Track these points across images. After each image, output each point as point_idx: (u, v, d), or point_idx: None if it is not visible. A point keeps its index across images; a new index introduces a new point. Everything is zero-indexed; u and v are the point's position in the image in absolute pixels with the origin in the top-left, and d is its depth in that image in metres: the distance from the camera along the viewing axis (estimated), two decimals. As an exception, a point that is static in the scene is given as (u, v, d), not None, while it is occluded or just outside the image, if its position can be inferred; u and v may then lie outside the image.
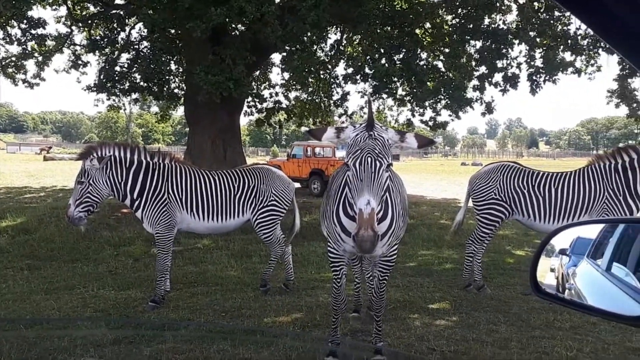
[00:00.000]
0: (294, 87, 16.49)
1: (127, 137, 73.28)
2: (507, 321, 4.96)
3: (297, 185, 17.25)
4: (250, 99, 14.86)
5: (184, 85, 14.63)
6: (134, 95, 15.82)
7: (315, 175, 18.31)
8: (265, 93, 16.82)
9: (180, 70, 15.07)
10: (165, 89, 14.45)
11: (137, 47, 15.01)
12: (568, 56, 11.77)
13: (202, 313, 5.31)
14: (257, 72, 16.54)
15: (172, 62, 15.18)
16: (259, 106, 16.10)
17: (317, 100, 16.27)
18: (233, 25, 12.18)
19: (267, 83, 18.11)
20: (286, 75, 15.43)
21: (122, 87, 14.53)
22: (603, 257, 1.27)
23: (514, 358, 4.01)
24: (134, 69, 14.52)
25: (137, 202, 5.68)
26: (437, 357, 4.06)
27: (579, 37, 11.45)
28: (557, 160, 63.77)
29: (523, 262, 7.78)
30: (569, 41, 11.35)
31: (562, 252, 1.44)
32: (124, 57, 15.12)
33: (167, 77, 14.45)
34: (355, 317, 5.12)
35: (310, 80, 12.50)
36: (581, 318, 4.99)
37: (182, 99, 14.67)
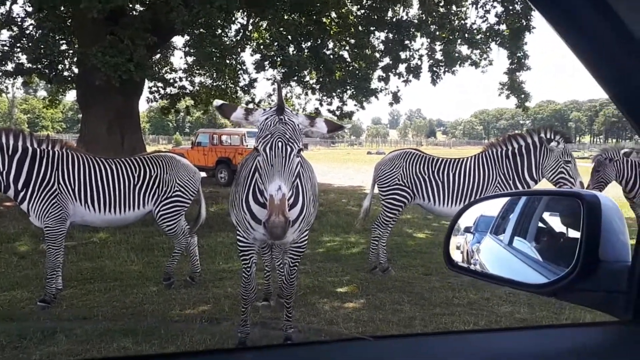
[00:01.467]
0: (198, 72, 15.88)
1: (10, 125, 66.24)
2: (410, 301, 5.19)
3: (203, 174, 16.78)
4: (152, 83, 14.06)
5: (75, 67, 13.46)
6: (20, 79, 14.26)
7: (222, 164, 17.89)
8: (169, 77, 16.04)
9: (72, 51, 13.83)
10: (56, 71, 13.18)
11: (20, 25, 13.51)
12: (465, 49, 12.59)
13: (100, 311, 4.93)
14: (158, 55, 15.69)
15: (63, 42, 13.88)
16: (162, 91, 15.31)
17: (223, 86, 15.84)
18: (131, 5, 11.38)
19: (168, 67, 17.26)
20: (190, 59, 14.81)
21: (4, 68, 13.04)
22: (505, 232, 1.33)
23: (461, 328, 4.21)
24: (18, 48, 13.06)
25: (22, 194, 5.11)
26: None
27: (475, 32, 12.25)
28: (452, 149, 68.41)
29: (423, 244, 8.22)
30: (466, 35, 12.10)
31: (467, 230, 1.48)
32: (5, 34, 13.56)
33: (58, 59, 13.17)
34: (265, 306, 5.06)
35: (220, 66, 12.08)
36: (477, 294, 5.38)
37: (74, 82, 13.48)
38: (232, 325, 4.53)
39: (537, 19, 11.41)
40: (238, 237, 3.84)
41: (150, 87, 15.44)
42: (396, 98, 13.31)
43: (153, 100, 16.30)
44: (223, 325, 4.57)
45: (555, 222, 1.15)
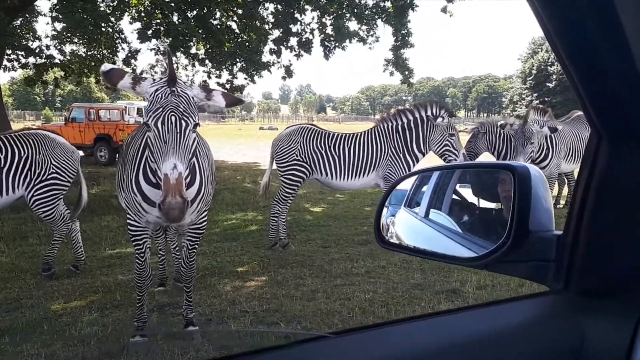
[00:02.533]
0: (69, 39, 14.32)
1: None
2: (312, 274, 5.26)
3: (81, 153, 15.38)
4: (11, 51, 12.38)
5: None
6: None
7: (102, 142, 16.58)
8: (33, 45, 14.25)
9: None
10: None
11: None
12: (354, 25, 12.79)
13: (-35, 312, 4.32)
14: (19, 21, 13.85)
15: None
16: (23, 60, 13.59)
17: (99, 56, 14.49)
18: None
19: (31, 34, 15.33)
20: (59, 26, 13.28)
21: None
22: (420, 205, 1.34)
23: (321, 307, 4.28)
24: None
25: None
26: (251, 319, 4.08)
27: (363, 7, 12.49)
28: (342, 125, 70.52)
29: (321, 218, 8.38)
30: (355, 10, 12.29)
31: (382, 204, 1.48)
32: None
33: None
34: (161, 291, 4.80)
35: (94, 35, 10.95)
36: (373, 263, 5.62)
37: None
38: (125, 314, 4.24)
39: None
40: (129, 222, 3.55)
41: (8, 55, 13.61)
42: (289, 72, 13.21)
43: (11, 69, 14.42)
44: (116, 315, 4.25)
45: (468, 194, 1.18)
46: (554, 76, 53.35)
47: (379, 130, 6.37)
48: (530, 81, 56.45)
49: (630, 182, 0.67)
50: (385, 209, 1.47)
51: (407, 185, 1.47)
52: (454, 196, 1.22)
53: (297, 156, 6.20)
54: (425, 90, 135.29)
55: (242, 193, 10.63)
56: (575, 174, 8.67)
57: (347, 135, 6.42)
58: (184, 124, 2.72)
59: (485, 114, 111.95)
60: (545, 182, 0.83)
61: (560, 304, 0.74)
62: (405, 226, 1.33)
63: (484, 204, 1.09)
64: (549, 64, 54.52)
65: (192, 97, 2.83)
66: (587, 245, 0.72)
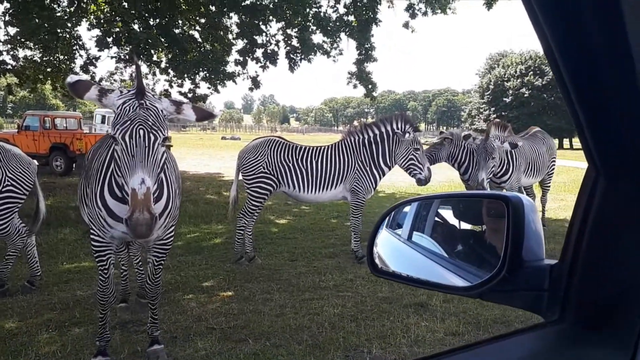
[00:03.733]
0: (23, 44, 13.78)
1: None
2: (279, 288, 5.21)
3: (35, 162, 14.76)
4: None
5: None
6: None
7: (58, 151, 16.00)
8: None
9: None
10: None
11: None
12: (319, 37, 12.90)
13: None
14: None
15: None
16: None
17: (55, 62, 14.00)
18: None
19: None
20: (12, 30, 12.77)
21: None
22: (403, 227, 1.35)
23: (290, 323, 4.24)
24: None
25: None
26: (218, 336, 3.99)
27: (327, 20, 12.59)
28: (305, 135, 70.64)
29: (287, 230, 8.33)
30: (321, 22, 12.39)
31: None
32: None
33: None
34: (123, 308, 4.64)
35: (51, 42, 10.58)
36: (341, 276, 5.62)
37: None
38: (86, 332, 4.07)
39: (383, 12, 12.15)
40: (92, 237, 3.42)
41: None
42: (256, 83, 13.15)
43: None
44: (75, 333, 4.07)
45: (452, 220, 1.20)
46: (510, 91, 55.45)
47: (346, 143, 6.41)
48: (488, 96, 58.47)
49: (625, 217, 0.70)
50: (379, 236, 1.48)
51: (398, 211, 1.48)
52: (443, 223, 1.23)
53: (264, 169, 6.16)
54: (387, 103, 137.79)
55: (206, 205, 10.45)
56: (535, 189, 8.99)
57: (315, 148, 6.43)
58: (152, 137, 2.66)
59: (444, 127, 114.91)
60: (536, 210, 0.85)
61: (556, 337, 0.75)
62: (386, 246, 1.33)
63: (476, 232, 1.11)
64: (505, 79, 56.67)
65: (162, 110, 2.77)
66: (583, 276, 0.74)
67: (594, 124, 0.63)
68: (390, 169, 6.44)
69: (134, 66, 13.61)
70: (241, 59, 12.74)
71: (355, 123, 6.69)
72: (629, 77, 0.56)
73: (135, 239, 3.12)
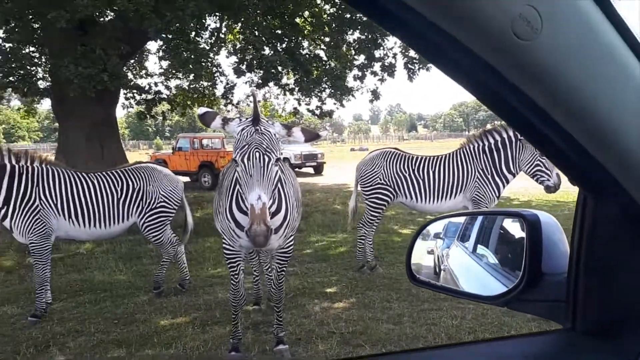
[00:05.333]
0: (174, 75, 15.81)
1: (-15, 137, 64.82)
2: (399, 298, 5.31)
3: (186, 179, 16.74)
4: (126, 90, 13.93)
5: (48, 77, 13.28)
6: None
7: (205, 168, 17.89)
8: (143, 82, 15.92)
9: (43, 60, 13.65)
10: (29, 84, 13.01)
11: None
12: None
13: (92, 323, 4.97)
14: (132, 61, 15.57)
15: (35, 53, 13.66)
16: (138, 97, 15.21)
17: (200, 89, 15.80)
18: (99, 14, 11.27)
19: (143, 72, 17.14)
20: (165, 63, 14.74)
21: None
22: (469, 240, 1.43)
23: (407, 332, 4.33)
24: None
25: (3, 211, 5.11)
26: (337, 340, 4.23)
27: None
28: (434, 142, 68.99)
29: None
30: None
31: (437, 235, 1.60)
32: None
33: (30, 72, 12.97)
34: (256, 310, 5.14)
35: (197, 71, 12.03)
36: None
37: (49, 93, 13.30)
38: (224, 330, 4.60)
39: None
40: (224, 245, 3.92)
41: (125, 93, 15.31)
42: (376, 95, 13.45)
43: (128, 107, 16.20)
44: (215, 331, 4.64)
45: (514, 233, 1.26)
46: None
47: (465, 151, 6.28)
48: None
49: (614, 235, 0.74)
50: (440, 241, 1.58)
51: (461, 218, 1.57)
52: (501, 231, 1.30)
53: (380, 180, 6.32)
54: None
55: (333, 215, 10.91)
56: None
57: (431, 157, 6.42)
58: (267, 159, 3.01)
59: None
60: (559, 227, 0.91)
61: (567, 343, 0.81)
62: (456, 259, 1.42)
63: (501, 245, 1.16)
64: None
65: (274, 134, 3.12)
66: (586, 287, 0.79)
67: (573, 145, 0.67)
68: (514, 176, 6.15)
69: (264, 88, 14.87)
70: (360, 73, 13.12)
71: (489, 126, 6.50)
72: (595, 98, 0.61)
73: (254, 247, 3.51)
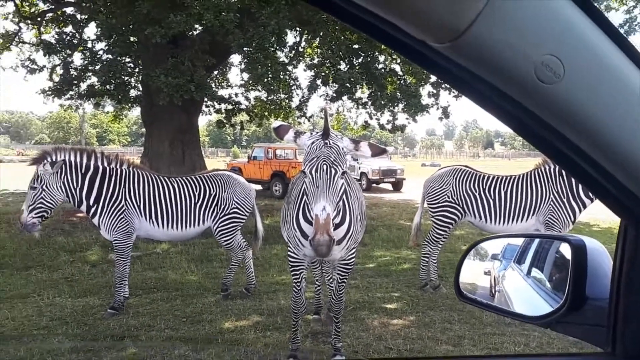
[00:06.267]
0: (253, 87, 16.49)
1: (81, 138, 70.88)
2: (461, 319, 5.19)
3: (258, 187, 17.32)
4: (208, 100, 14.74)
5: (140, 86, 14.39)
6: (93, 100, 15.41)
7: (277, 178, 18.37)
8: (224, 93, 16.72)
9: (137, 71, 14.81)
10: (124, 93, 14.17)
11: (91, 47, 14.61)
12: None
13: (163, 319, 5.30)
14: (216, 72, 16.44)
15: (130, 64, 14.87)
16: (217, 106, 16.03)
17: (277, 101, 16.34)
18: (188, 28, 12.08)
19: (225, 83, 18.03)
20: (245, 75, 15.43)
21: (79, 90, 14.15)
22: (525, 262, 1.43)
23: (466, 354, 4.22)
24: (90, 71, 14.13)
25: (93, 209, 5.60)
26: (394, 356, 4.22)
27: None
28: (512, 161, 66.09)
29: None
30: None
31: (494, 257, 1.60)
32: (77, 56, 14.72)
33: (126, 82, 14.15)
34: (315, 319, 5.23)
35: (274, 85, 12.53)
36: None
37: (139, 101, 14.42)
38: (283, 336, 4.73)
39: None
40: (289, 253, 4.06)
41: (205, 102, 16.21)
42: (446, 113, 13.26)
43: (207, 114, 17.10)
44: (275, 336, 4.78)
45: (568, 257, 1.25)
46: None
47: (540, 172, 6.03)
48: None
49: None
50: (497, 262, 1.59)
51: (518, 240, 1.57)
52: (556, 255, 1.29)
53: (448, 198, 6.21)
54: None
55: (398, 230, 10.82)
56: None
57: (503, 177, 6.21)
58: (333, 171, 3.11)
59: None
60: (606, 253, 0.91)
61: None
62: (511, 281, 1.42)
63: (553, 268, 1.15)
64: None
65: (342, 148, 3.22)
66: (626, 313, 0.79)
67: (607, 176, 0.70)
68: (592, 201, 5.80)
69: (338, 101, 15.11)
70: (435, 90, 12.97)
71: None
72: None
73: (317, 257, 3.61)
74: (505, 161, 66.88)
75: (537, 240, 1.39)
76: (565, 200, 5.81)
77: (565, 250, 1.30)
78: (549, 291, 1.18)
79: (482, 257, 1.63)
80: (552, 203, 5.86)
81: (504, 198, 6.03)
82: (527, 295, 1.31)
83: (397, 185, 21.53)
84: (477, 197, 6.12)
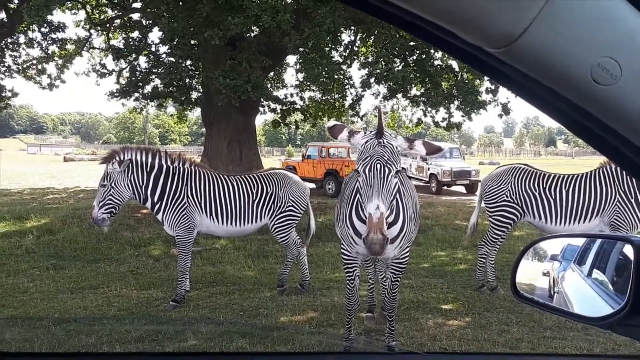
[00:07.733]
0: (308, 87, 16.67)
1: (145, 138, 74.36)
2: (519, 322, 5.04)
3: (312, 185, 17.49)
4: (264, 100, 15.07)
5: (200, 87, 14.92)
6: (156, 101, 16.17)
7: (330, 176, 18.46)
8: (280, 93, 17.01)
9: (197, 73, 15.38)
10: (186, 95, 14.76)
11: (155, 51, 15.32)
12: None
13: (221, 312, 5.51)
14: (272, 73, 16.75)
15: (191, 66, 15.46)
16: (272, 106, 16.34)
17: (331, 100, 16.42)
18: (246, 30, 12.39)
19: (280, 84, 18.33)
20: (301, 76, 15.62)
21: (144, 92, 14.89)
22: (586, 263, 1.40)
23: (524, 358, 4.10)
24: (154, 74, 14.83)
25: (157, 205, 5.89)
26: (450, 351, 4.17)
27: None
28: (575, 159, 62.80)
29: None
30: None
31: (554, 257, 1.58)
32: (142, 59, 15.48)
33: (188, 83, 14.74)
34: (369, 317, 5.25)
35: (328, 85, 12.63)
36: (591, 319, 5.06)
37: (200, 102, 14.96)
38: (337, 333, 4.79)
39: None
40: (342, 251, 4.11)
41: (262, 102, 16.57)
42: (506, 110, 12.80)
43: (263, 113, 17.47)
44: (329, 333, 4.84)
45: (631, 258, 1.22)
46: None
47: (606, 171, 5.73)
48: None
49: None
50: (557, 263, 1.57)
51: (579, 242, 1.53)
52: (619, 257, 1.26)
53: (506, 197, 6.03)
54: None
55: (454, 230, 10.59)
56: None
57: (565, 176, 5.95)
58: (387, 170, 3.13)
59: None
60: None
61: None
62: (570, 282, 1.40)
63: (615, 270, 1.12)
64: None
65: (396, 147, 3.23)
66: None
67: None
68: (662, 201, 5.46)
69: (393, 99, 14.99)
70: (493, 87, 12.57)
71: None
72: None
73: (371, 255, 3.64)
74: (569, 159, 63.66)
75: (598, 241, 1.36)
76: (633, 200, 5.49)
77: (629, 251, 1.27)
78: (611, 293, 1.16)
79: (540, 258, 1.61)
80: (618, 203, 5.55)
81: (566, 198, 5.78)
82: (587, 296, 1.29)
83: (472, 188, 18.92)
84: (537, 196, 5.90)
